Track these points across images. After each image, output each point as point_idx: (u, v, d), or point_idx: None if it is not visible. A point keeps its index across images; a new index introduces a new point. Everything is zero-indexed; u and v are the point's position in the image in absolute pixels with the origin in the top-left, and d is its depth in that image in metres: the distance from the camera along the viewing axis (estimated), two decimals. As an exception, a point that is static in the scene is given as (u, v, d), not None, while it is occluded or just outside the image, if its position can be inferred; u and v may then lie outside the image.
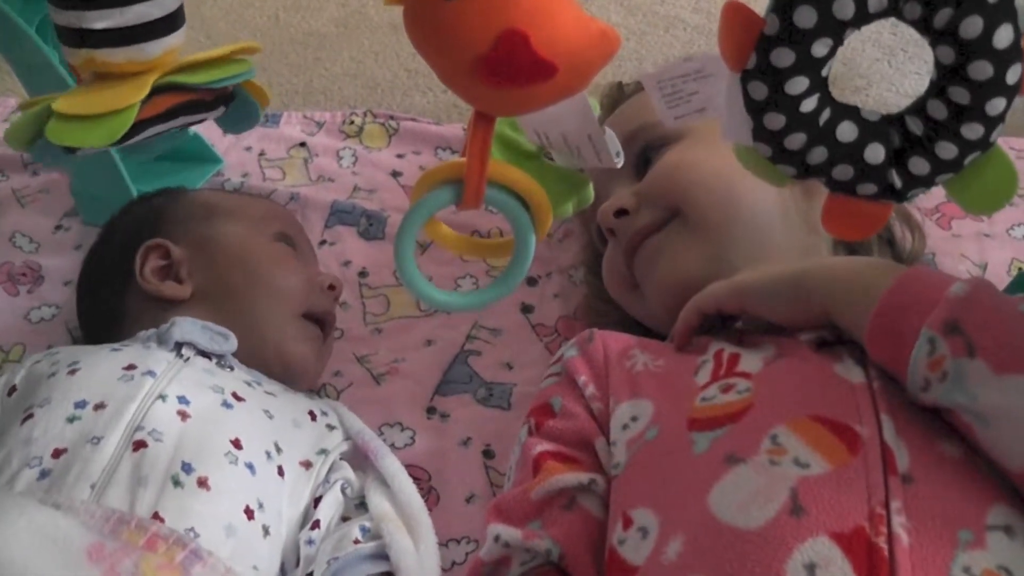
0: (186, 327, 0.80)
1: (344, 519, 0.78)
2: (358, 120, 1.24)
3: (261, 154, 1.19)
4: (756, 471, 0.60)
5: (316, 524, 0.74)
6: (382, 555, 0.73)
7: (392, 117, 1.24)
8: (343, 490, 0.78)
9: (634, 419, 0.71)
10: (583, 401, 0.76)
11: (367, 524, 0.76)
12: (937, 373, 0.58)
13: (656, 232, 0.84)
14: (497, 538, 0.69)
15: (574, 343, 0.81)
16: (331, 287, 0.92)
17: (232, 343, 0.82)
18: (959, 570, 0.53)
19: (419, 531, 0.76)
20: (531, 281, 1.04)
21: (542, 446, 0.74)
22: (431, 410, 0.93)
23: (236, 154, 1.19)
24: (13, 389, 0.77)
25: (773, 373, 0.68)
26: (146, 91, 0.81)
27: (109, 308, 0.88)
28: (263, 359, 0.85)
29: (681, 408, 0.68)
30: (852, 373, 0.65)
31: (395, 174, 1.16)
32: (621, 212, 0.85)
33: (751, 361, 0.70)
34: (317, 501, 0.76)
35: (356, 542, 0.73)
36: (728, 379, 0.69)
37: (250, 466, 0.71)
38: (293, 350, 0.86)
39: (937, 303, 0.59)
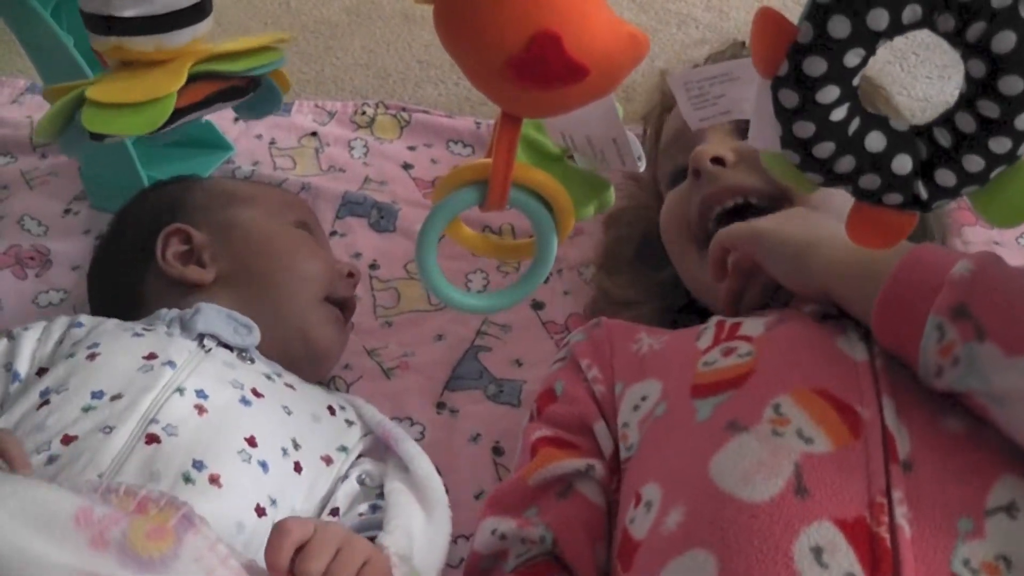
0: (210, 316, 0.80)
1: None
2: (370, 111, 1.23)
3: (272, 142, 1.19)
4: (759, 440, 0.60)
5: (335, 512, 0.74)
6: (376, 525, 0.71)
7: (404, 109, 1.23)
8: (361, 481, 0.78)
9: (644, 399, 0.71)
10: (585, 384, 0.76)
11: (380, 503, 0.75)
12: (949, 359, 0.58)
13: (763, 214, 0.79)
14: (494, 531, 0.69)
15: (581, 329, 0.82)
16: (350, 274, 0.93)
17: (255, 336, 0.81)
18: (959, 563, 0.54)
19: (431, 502, 0.75)
20: (542, 278, 1.04)
21: (541, 431, 0.74)
22: (441, 405, 0.93)
23: (247, 142, 1.18)
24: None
25: (775, 337, 0.68)
26: (183, 79, 0.81)
27: (127, 294, 0.88)
28: (287, 343, 0.85)
29: (685, 376, 0.68)
30: (855, 349, 0.65)
31: (406, 166, 1.16)
32: (718, 160, 0.82)
33: (752, 325, 0.70)
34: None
35: (360, 515, 0.73)
36: (729, 342, 0.69)
37: (263, 464, 0.71)
38: (318, 334, 0.87)
39: (942, 285, 0.59)
